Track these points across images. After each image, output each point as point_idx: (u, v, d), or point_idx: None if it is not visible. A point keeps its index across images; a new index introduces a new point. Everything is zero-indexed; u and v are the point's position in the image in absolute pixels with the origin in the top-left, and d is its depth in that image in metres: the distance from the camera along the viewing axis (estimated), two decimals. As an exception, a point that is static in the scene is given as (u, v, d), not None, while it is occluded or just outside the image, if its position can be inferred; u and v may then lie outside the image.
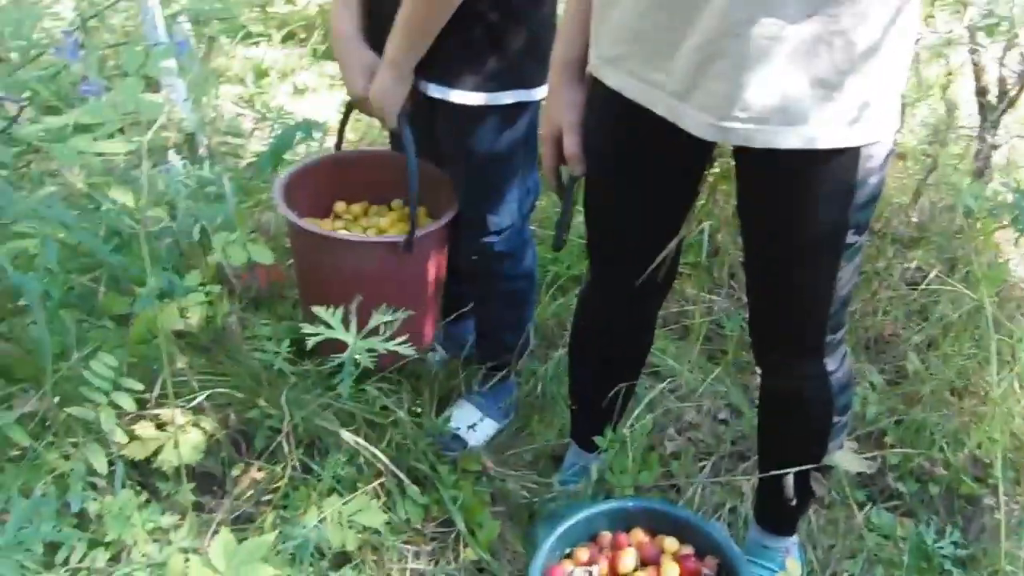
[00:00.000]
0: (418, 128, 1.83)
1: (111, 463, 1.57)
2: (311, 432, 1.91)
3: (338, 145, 2.13)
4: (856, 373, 2.30)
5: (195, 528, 1.47)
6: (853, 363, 1.75)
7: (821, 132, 1.29)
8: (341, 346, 1.53)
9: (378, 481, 1.88)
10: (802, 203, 1.38)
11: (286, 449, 1.85)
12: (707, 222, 2.62)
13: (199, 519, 1.75)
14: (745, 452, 2.19)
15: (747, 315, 1.66)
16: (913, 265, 2.69)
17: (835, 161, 1.32)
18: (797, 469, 1.64)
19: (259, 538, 1.33)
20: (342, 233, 2.02)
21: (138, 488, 1.74)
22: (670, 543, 1.69)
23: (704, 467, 2.13)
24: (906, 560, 1.87)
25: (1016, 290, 2.64)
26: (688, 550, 1.68)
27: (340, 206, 2.14)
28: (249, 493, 1.87)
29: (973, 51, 2.73)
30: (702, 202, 2.60)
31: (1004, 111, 2.77)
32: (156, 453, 1.68)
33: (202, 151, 2.68)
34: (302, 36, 4.26)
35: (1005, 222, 2.19)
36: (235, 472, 1.90)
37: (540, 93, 1.80)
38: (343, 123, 2.09)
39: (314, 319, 1.50)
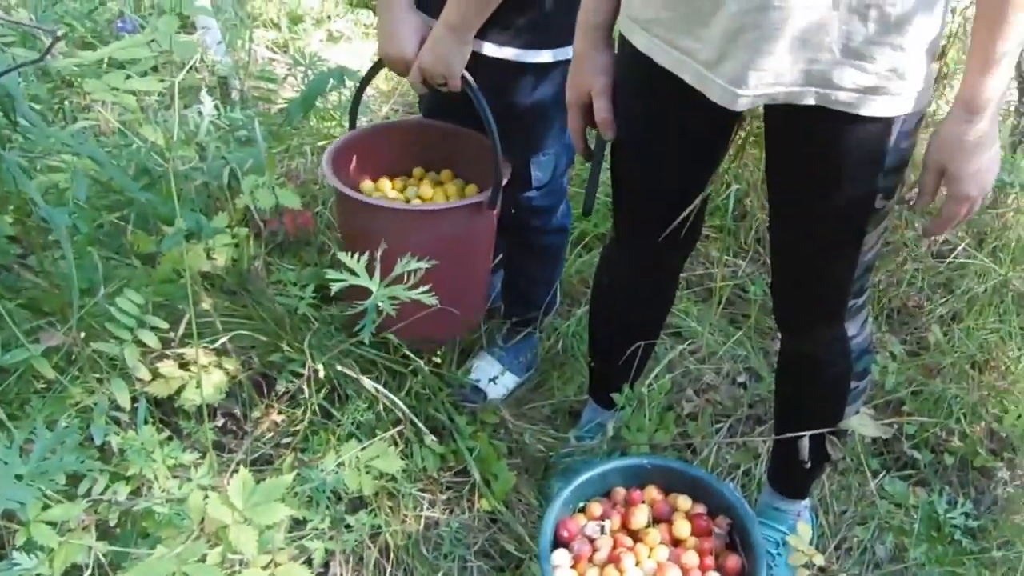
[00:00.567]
0: (447, 95, 1.82)
1: (134, 399, 1.59)
2: (332, 378, 1.93)
3: (352, 124, 2.08)
4: (876, 341, 2.30)
5: (215, 467, 1.49)
6: (873, 330, 1.75)
7: (852, 99, 1.29)
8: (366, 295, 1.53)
9: (396, 429, 1.90)
10: (831, 167, 1.38)
11: (307, 393, 1.87)
12: (735, 185, 2.61)
13: (219, 458, 1.77)
14: (762, 416, 2.19)
15: (770, 279, 1.66)
16: (941, 238, 2.66)
17: (865, 127, 1.32)
18: (813, 432, 1.65)
19: (277, 479, 1.34)
20: (419, 204, 1.99)
21: (160, 425, 1.77)
22: (683, 501, 1.70)
23: (720, 429, 2.14)
24: (916, 528, 1.87)
25: (1044, 266, 2.61)
26: (700, 509, 1.69)
27: (368, 186, 2.06)
28: (269, 435, 1.90)
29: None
30: (732, 164, 2.59)
31: (1045, 85, 2.73)
32: (179, 392, 1.71)
33: (234, 95, 2.69)
34: (339, -18, 4.24)
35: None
36: (256, 414, 1.92)
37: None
38: (359, 94, 2.04)
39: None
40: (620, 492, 1.72)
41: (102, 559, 1.28)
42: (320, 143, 2.75)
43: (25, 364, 1.53)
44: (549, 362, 2.33)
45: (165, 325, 1.61)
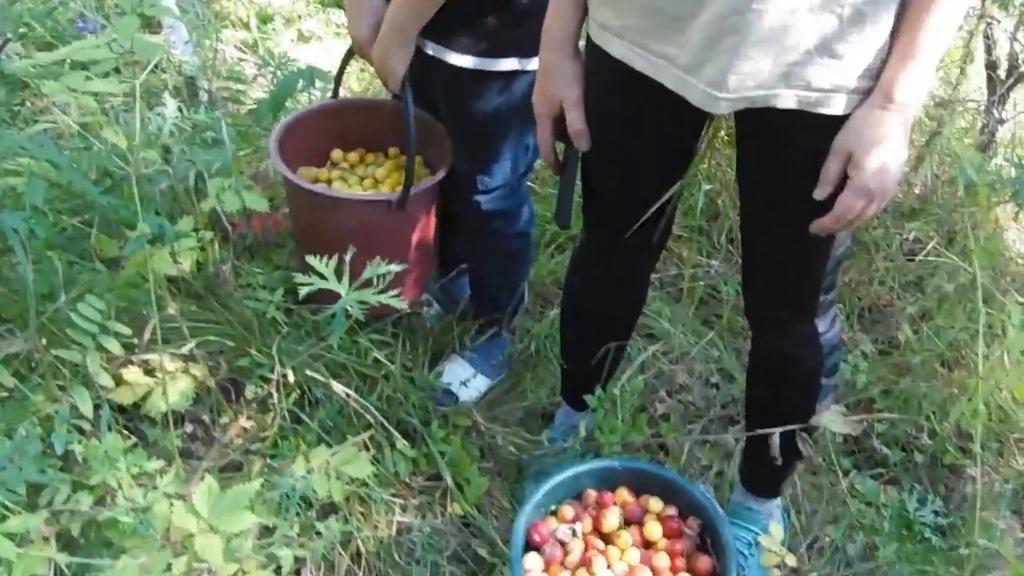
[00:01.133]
0: (415, 82, 1.81)
1: (97, 407, 1.57)
2: (302, 382, 1.91)
3: (335, 92, 2.11)
4: (847, 340, 2.31)
5: (181, 474, 1.47)
6: (843, 326, 1.75)
7: (827, 98, 1.29)
8: (334, 297, 1.52)
9: (367, 434, 1.88)
10: (804, 165, 1.37)
11: (276, 398, 1.85)
12: (707, 185, 2.60)
13: (187, 466, 1.75)
14: (734, 416, 2.19)
15: (741, 276, 1.66)
16: (911, 236, 2.67)
17: (837, 124, 1.31)
18: (784, 428, 1.65)
19: (244, 486, 1.32)
20: (334, 191, 2.02)
21: (125, 433, 1.74)
22: (654, 503, 1.70)
23: (693, 430, 2.14)
24: (887, 526, 1.88)
25: (1012, 265, 2.63)
26: (672, 511, 1.69)
27: (337, 154, 2.14)
28: (238, 441, 1.87)
29: (986, 23, 2.70)
30: (703, 164, 2.59)
31: (1012, 86, 2.74)
32: (144, 399, 1.68)
33: (202, 95, 2.66)
34: (309, -18, 4.21)
35: (1007, 197, 2.17)
36: (224, 420, 1.90)
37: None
38: (341, 70, 2.07)
39: (309, 269, 1.49)
40: (591, 494, 1.72)
41: (64, 570, 1.26)
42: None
43: (-17, 372, 1.51)
44: (522, 364, 2.32)
45: (129, 331, 1.58)
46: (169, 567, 1.24)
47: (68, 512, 1.36)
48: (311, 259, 1.48)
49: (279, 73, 2.39)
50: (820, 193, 1.35)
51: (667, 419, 2.16)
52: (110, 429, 1.52)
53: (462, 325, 2.28)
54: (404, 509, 1.89)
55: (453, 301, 2.35)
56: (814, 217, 1.43)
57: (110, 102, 2.07)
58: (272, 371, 1.85)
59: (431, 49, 1.78)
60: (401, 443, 1.92)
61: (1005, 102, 2.76)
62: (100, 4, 2.60)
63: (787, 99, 1.30)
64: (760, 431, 1.70)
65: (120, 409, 1.70)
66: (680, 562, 1.61)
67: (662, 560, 1.60)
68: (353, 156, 2.14)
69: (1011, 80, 2.70)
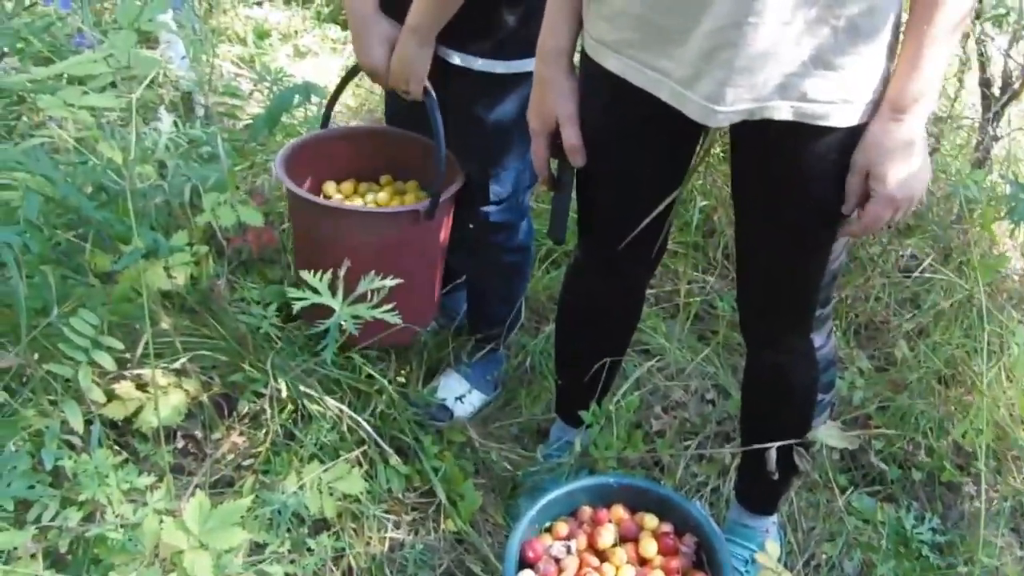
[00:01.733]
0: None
1: (88, 422, 1.56)
2: (295, 398, 1.90)
3: (325, 123, 2.10)
4: (844, 357, 2.30)
5: (172, 490, 1.46)
6: (838, 341, 1.75)
7: (821, 110, 1.29)
8: (329, 313, 1.51)
9: (361, 450, 1.88)
10: (800, 177, 1.38)
11: (269, 414, 1.85)
12: (702, 201, 2.61)
13: (178, 481, 1.74)
14: (730, 433, 2.18)
15: (737, 291, 1.66)
16: (907, 252, 2.67)
17: (833, 136, 1.32)
18: (780, 443, 1.65)
19: (234, 502, 1.32)
20: (368, 206, 2.01)
21: (116, 448, 1.73)
22: (650, 520, 1.68)
23: (689, 446, 2.13)
24: (885, 544, 1.87)
25: (1008, 282, 2.63)
26: (667, 527, 1.67)
27: (330, 187, 2.10)
28: (230, 457, 1.87)
29: (980, 41, 2.70)
30: (698, 181, 2.59)
31: (1007, 103, 2.74)
32: (136, 414, 1.67)
33: (199, 110, 2.66)
34: (306, -2, 4.22)
35: (1001, 213, 2.18)
36: (216, 435, 1.89)
37: None
38: (332, 103, 2.05)
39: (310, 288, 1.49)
40: (586, 511, 1.71)
41: (52, 587, 1.25)
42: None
43: (-26, 387, 1.50)
44: (517, 380, 2.31)
45: (121, 345, 1.58)
46: (158, 584, 1.24)
47: (56, 528, 1.35)
48: (306, 274, 1.48)
49: (275, 88, 2.39)
50: (847, 208, 1.38)
51: (663, 435, 2.15)
52: (101, 444, 1.51)
53: (458, 340, 2.27)
54: (397, 525, 1.88)
55: (449, 316, 2.34)
56: (811, 229, 1.44)
57: (106, 116, 2.07)
58: (265, 386, 1.85)
59: (451, 56, 1.78)
60: (394, 459, 1.91)
61: (1000, 119, 2.76)
62: (98, 20, 2.60)
63: (783, 111, 1.30)
64: (757, 446, 1.69)
65: (111, 424, 1.69)
66: (675, 579, 1.60)
67: (657, 577, 1.59)
68: (347, 187, 2.11)
69: (1005, 97, 2.70)
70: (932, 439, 2.15)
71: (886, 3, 1.25)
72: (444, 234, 2.00)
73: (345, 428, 1.89)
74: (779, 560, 1.64)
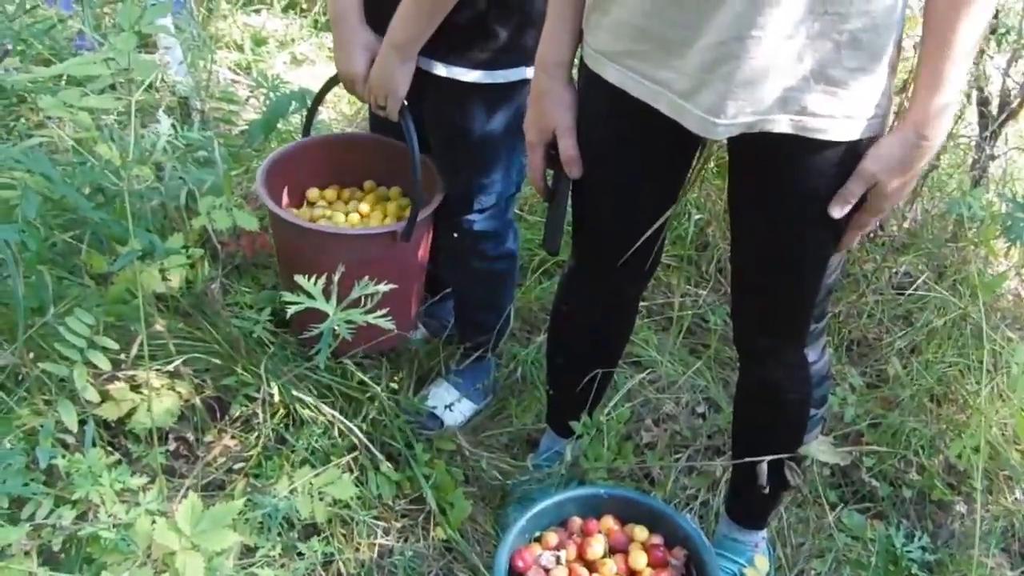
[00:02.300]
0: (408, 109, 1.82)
1: (82, 422, 1.56)
2: (287, 402, 1.90)
3: (306, 131, 2.10)
4: (836, 373, 2.31)
5: (164, 491, 1.46)
6: (832, 357, 1.75)
7: (821, 124, 1.30)
8: (322, 318, 1.51)
9: (352, 455, 1.88)
10: (798, 191, 1.38)
11: (261, 418, 1.84)
12: (696, 215, 2.61)
13: (170, 483, 1.74)
14: (721, 447, 2.19)
15: (731, 304, 1.66)
16: (902, 270, 2.68)
17: (832, 150, 1.32)
18: (772, 457, 1.65)
19: (227, 504, 1.31)
20: (340, 227, 2.00)
21: (109, 449, 1.73)
22: (640, 532, 1.69)
23: (679, 459, 2.13)
24: (874, 561, 1.87)
25: (1003, 300, 2.64)
26: (657, 540, 1.68)
27: (313, 193, 2.11)
28: (221, 460, 1.87)
29: (978, 60, 2.72)
30: (693, 194, 2.60)
31: (1004, 122, 2.76)
32: (130, 415, 1.67)
33: (195, 115, 2.66)
34: (304, 6, 4.22)
35: (997, 232, 2.18)
36: (208, 438, 1.89)
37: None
38: (314, 106, 2.05)
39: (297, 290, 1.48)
40: (576, 522, 1.71)
41: (44, 585, 1.25)
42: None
43: (-31, 384, 1.50)
44: (507, 389, 2.31)
45: (116, 346, 1.58)
46: (149, 584, 1.24)
47: (50, 527, 1.35)
48: (299, 278, 1.48)
49: (272, 95, 2.40)
50: (837, 212, 1.37)
51: (653, 448, 2.15)
52: (94, 444, 1.51)
53: (448, 349, 2.28)
54: (387, 532, 1.88)
55: (439, 325, 2.34)
56: (807, 244, 1.44)
57: (104, 119, 2.07)
58: (258, 390, 1.85)
59: (435, 67, 1.78)
60: (385, 466, 1.91)
61: (997, 138, 2.78)
62: (98, 23, 2.61)
63: (783, 125, 1.30)
64: (748, 460, 1.69)
65: (104, 425, 1.69)
66: (665, 591, 1.60)
67: (647, 589, 1.59)
68: (330, 193, 2.11)
69: (1003, 116, 2.72)
70: (923, 457, 2.16)
71: (889, 19, 1.25)
72: (423, 249, 2.00)
73: (336, 434, 1.89)
74: (768, 575, 1.64)
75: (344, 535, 1.81)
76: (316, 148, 2.12)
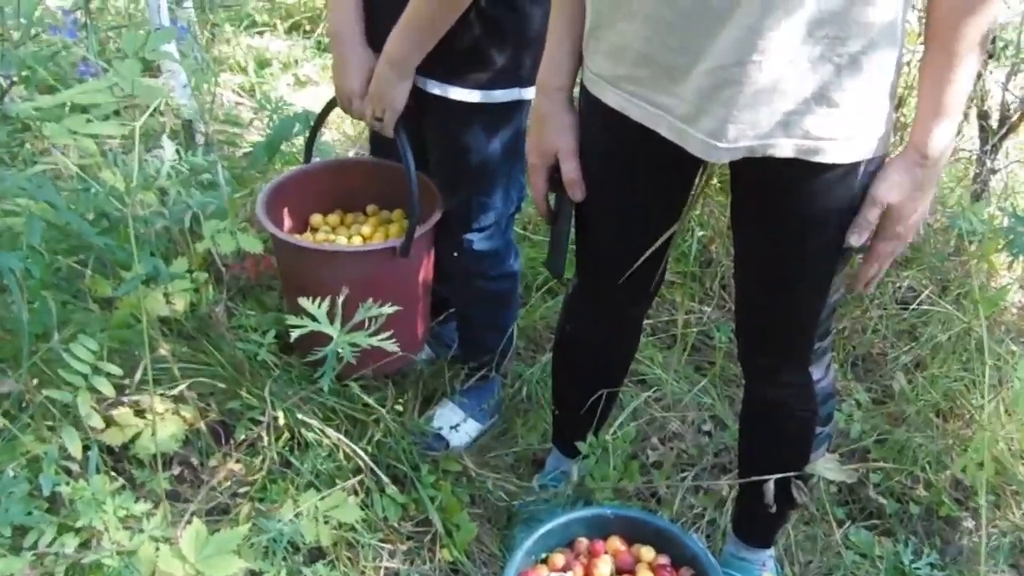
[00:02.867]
0: (403, 126, 1.83)
1: (86, 448, 1.56)
2: (292, 426, 1.90)
3: (307, 157, 2.11)
4: (841, 389, 2.30)
5: (168, 517, 1.46)
6: (837, 374, 1.75)
7: (823, 146, 1.30)
8: (326, 340, 1.52)
9: (357, 478, 1.87)
10: (801, 214, 1.38)
11: (266, 441, 1.84)
12: (700, 232, 2.61)
13: (174, 508, 1.74)
14: (727, 465, 2.18)
15: (735, 324, 1.66)
16: (905, 284, 2.68)
17: (834, 172, 1.32)
18: (779, 476, 1.64)
19: (231, 530, 1.31)
20: (339, 245, 2.02)
21: (113, 474, 1.73)
22: (646, 552, 1.68)
23: (685, 478, 2.12)
24: (882, 579, 1.87)
25: (1007, 314, 2.63)
26: (664, 560, 1.67)
27: (316, 219, 2.13)
28: (226, 484, 1.86)
29: (978, 74, 2.73)
30: (696, 212, 2.60)
31: (1005, 136, 2.76)
32: (134, 440, 1.67)
33: (199, 138, 2.67)
34: (307, 28, 4.26)
35: (999, 246, 2.18)
36: (213, 462, 1.89)
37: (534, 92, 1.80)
38: (315, 129, 2.06)
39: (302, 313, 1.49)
40: (583, 542, 1.70)
41: (47, 614, 1.25)
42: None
43: (-27, 412, 1.50)
44: (513, 409, 2.31)
45: (120, 372, 1.58)
46: (154, 612, 1.23)
47: (53, 555, 1.35)
48: (304, 301, 1.48)
49: (275, 117, 2.41)
50: (856, 240, 1.38)
51: (659, 467, 2.14)
52: (98, 471, 1.51)
53: (452, 369, 2.28)
54: (392, 555, 1.87)
55: (444, 346, 2.34)
56: (811, 263, 1.44)
57: (109, 144, 2.08)
58: (262, 414, 1.84)
59: (434, 88, 1.78)
60: (391, 488, 1.91)
61: (997, 152, 2.78)
62: (102, 49, 2.62)
63: (785, 148, 1.30)
64: (754, 478, 1.69)
65: (108, 450, 1.69)
66: (672, 612, 1.59)
67: (654, 610, 1.59)
68: (333, 218, 2.13)
69: (1003, 130, 2.72)
70: (930, 473, 2.15)
71: (889, 41, 1.25)
72: (426, 265, 2.01)
73: (342, 456, 1.88)
74: (776, 593, 1.64)
75: (350, 558, 1.80)
76: (317, 174, 2.13)
